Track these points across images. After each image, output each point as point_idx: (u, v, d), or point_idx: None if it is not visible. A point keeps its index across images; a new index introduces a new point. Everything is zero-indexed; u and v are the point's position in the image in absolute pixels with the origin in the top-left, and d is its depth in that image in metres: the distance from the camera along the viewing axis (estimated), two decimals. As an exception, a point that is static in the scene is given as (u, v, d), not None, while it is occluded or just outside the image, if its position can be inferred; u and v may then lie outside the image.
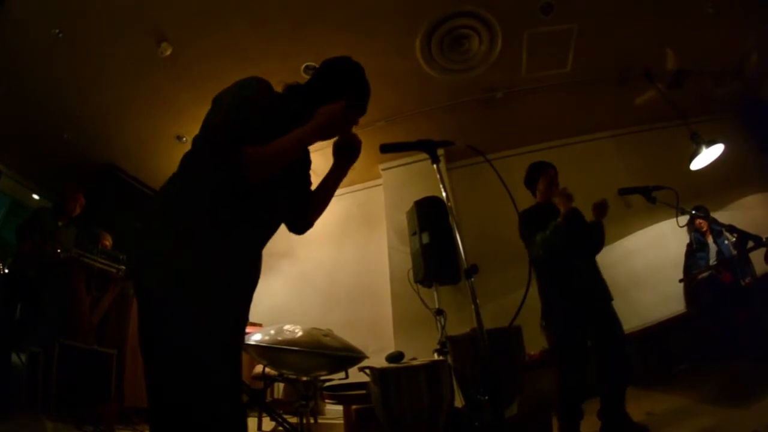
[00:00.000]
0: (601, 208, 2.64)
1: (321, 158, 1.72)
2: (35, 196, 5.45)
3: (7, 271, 3.87)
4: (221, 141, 1.05)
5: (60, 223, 3.86)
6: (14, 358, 3.43)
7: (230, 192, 1.09)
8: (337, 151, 1.43)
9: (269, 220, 1.28)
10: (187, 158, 1.18)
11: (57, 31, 3.36)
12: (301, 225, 1.49)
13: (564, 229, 2.53)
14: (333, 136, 1.30)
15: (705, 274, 4.09)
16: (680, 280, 4.35)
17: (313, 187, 1.52)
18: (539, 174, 2.86)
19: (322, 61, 1.43)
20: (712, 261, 4.15)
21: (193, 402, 0.95)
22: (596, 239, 2.70)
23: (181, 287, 1.00)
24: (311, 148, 1.28)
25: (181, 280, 1.00)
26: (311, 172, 1.51)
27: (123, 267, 3.87)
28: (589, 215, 2.72)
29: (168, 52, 3.60)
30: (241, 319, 1.23)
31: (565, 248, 2.56)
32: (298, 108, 1.30)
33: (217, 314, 1.05)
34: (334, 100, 1.25)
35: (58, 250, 3.50)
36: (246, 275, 1.22)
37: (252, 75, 1.24)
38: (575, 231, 2.58)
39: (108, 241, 4.22)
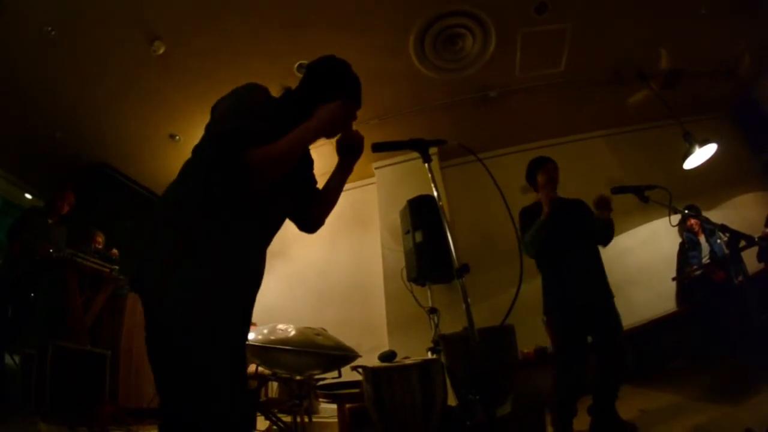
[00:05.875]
0: (601, 203, 2.61)
1: (316, 156, 1.70)
2: (28, 196, 5.41)
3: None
4: (227, 148, 1.05)
5: (50, 221, 3.84)
6: (7, 359, 3.41)
7: (234, 195, 1.10)
8: (340, 149, 1.44)
9: (270, 220, 1.29)
10: (189, 166, 1.18)
11: (49, 28, 3.33)
12: (311, 224, 1.51)
13: (545, 225, 2.52)
14: (335, 134, 1.33)
15: (698, 273, 4.12)
16: (673, 279, 4.39)
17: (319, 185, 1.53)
18: (538, 169, 2.77)
19: (306, 66, 1.45)
20: (705, 260, 4.18)
21: (203, 409, 0.97)
22: (601, 233, 2.68)
23: (188, 296, 1.01)
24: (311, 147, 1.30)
25: (188, 288, 1.01)
26: None
27: (116, 267, 3.85)
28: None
29: (161, 51, 3.57)
30: (246, 321, 1.25)
31: (551, 244, 2.55)
32: (295, 113, 1.31)
33: (224, 320, 1.06)
34: (329, 101, 1.27)
35: (50, 250, 3.47)
36: (250, 277, 1.24)
37: (250, 81, 1.26)
38: (564, 225, 2.57)
39: (101, 238, 4.20)
